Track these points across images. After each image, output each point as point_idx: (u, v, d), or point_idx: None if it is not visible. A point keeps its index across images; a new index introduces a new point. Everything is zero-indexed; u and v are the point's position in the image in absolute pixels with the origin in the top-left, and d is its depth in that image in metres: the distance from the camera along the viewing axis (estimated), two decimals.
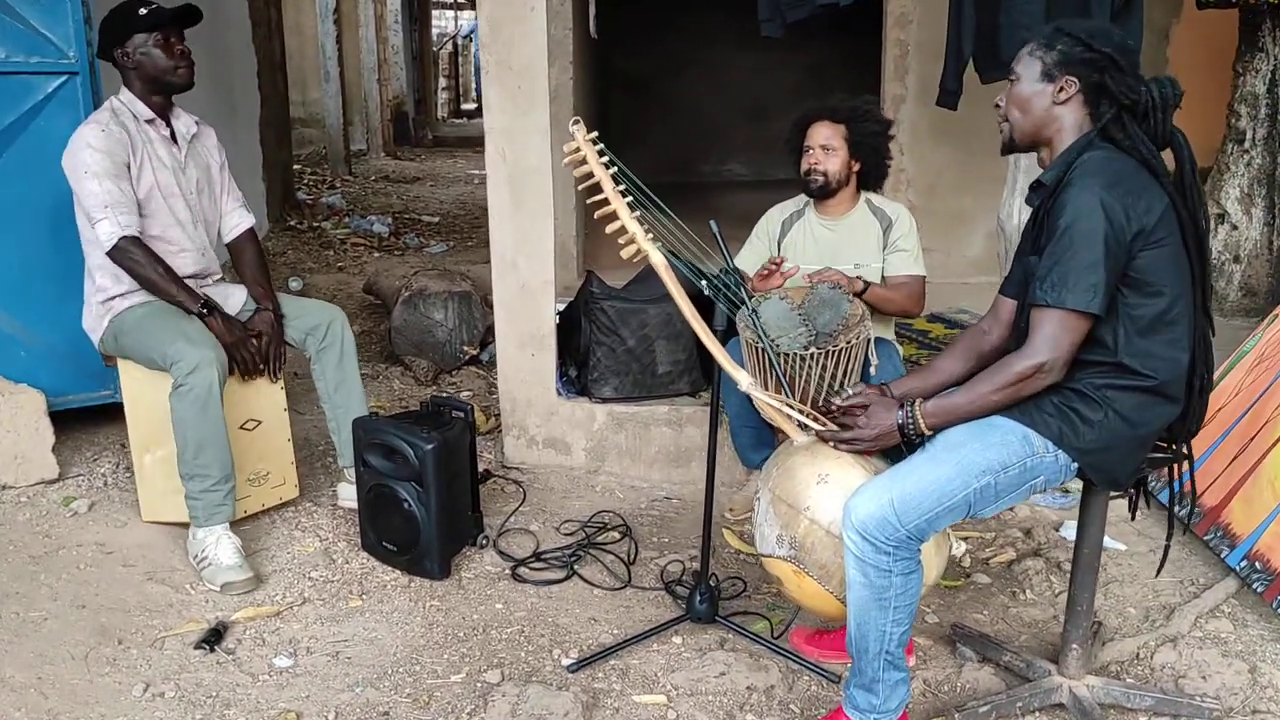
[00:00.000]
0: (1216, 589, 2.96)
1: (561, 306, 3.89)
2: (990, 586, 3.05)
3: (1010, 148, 2.29)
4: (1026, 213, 3.47)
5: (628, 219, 2.29)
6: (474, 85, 23.07)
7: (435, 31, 20.45)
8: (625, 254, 2.33)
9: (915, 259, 3.39)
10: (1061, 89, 2.17)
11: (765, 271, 3.21)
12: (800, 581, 2.26)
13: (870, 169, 3.37)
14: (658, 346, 3.70)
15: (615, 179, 2.30)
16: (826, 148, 3.29)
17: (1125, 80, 2.12)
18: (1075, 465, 2.14)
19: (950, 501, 2.08)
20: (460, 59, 22.25)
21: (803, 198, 3.46)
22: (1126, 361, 2.10)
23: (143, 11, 3.04)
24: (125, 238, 2.96)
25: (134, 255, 2.97)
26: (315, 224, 8.15)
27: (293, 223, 7.99)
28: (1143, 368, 2.10)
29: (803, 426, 2.37)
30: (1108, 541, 3.29)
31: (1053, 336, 2.07)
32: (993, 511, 2.16)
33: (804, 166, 3.34)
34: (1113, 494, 2.32)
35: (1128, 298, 2.09)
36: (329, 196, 9.43)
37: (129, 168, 3.02)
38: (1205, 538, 3.14)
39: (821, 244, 3.40)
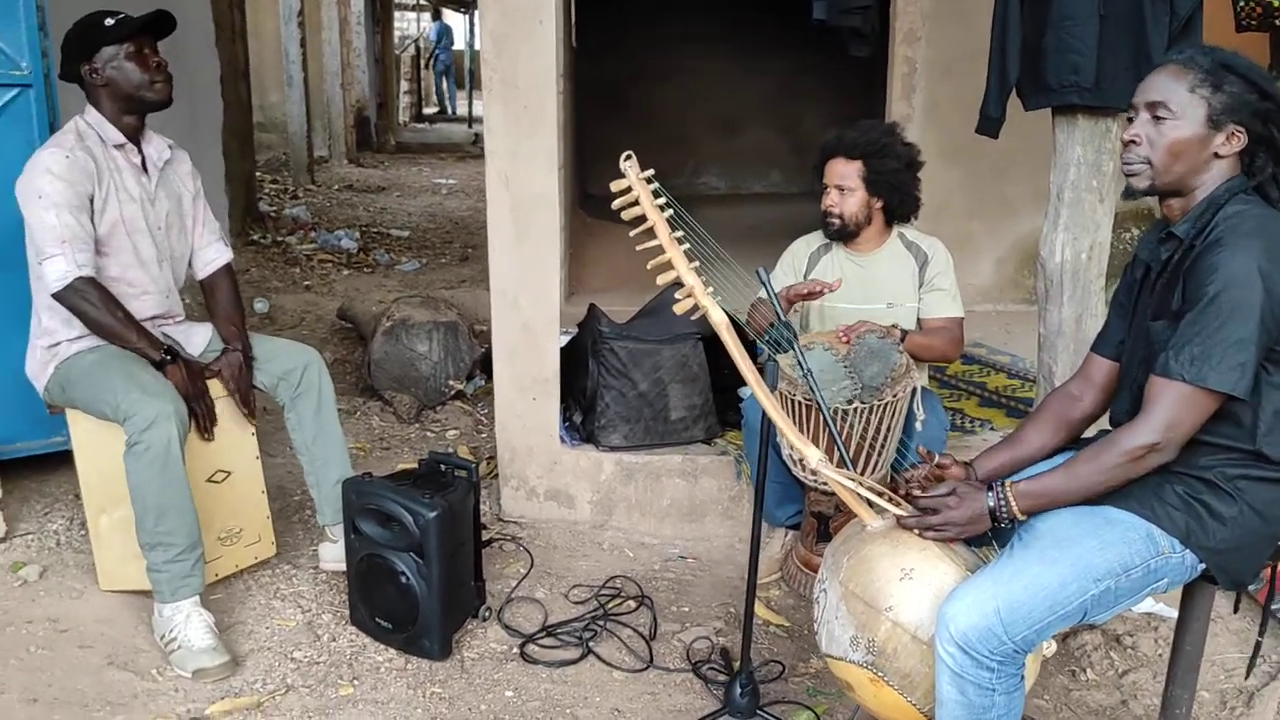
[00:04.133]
0: None
1: (562, 342, 3.56)
2: (1046, 665, 2.78)
3: (1143, 193, 1.94)
4: (1070, 250, 3.19)
5: (685, 271, 1.97)
6: (434, 89, 22.53)
7: (397, 34, 19.95)
8: (679, 309, 2.02)
9: (953, 298, 3.12)
10: (1229, 140, 1.87)
11: (806, 290, 2.91)
12: (878, 690, 1.96)
13: (895, 205, 3.09)
14: (671, 391, 3.39)
15: (671, 223, 1.98)
16: (842, 188, 3.01)
17: None
18: (1201, 565, 1.87)
19: (1064, 610, 1.79)
20: (422, 62, 21.70)
21: None
22: (1266, 450, 1.82)
23: (109, 22, 2.67)
24: (81, 278, 2.60)
25: (88, 297, 2.61)
26: (279, 238, 7.74)
27: (255, 237, 7.57)
28: None
29: (874, 507, 2.07)
30: (1162, 609, 3.04)
31: (1175, 415, 1.80)
32: (1107, 618, 1.88)
33: (822, 206, 3.07)
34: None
35: (1272, 376, 1.81)
36: (293, 208, 9.01)
37: (92, 200, 2.66)
38: (1274, 607, 2.89)
39: (852, 281, 3.12)
